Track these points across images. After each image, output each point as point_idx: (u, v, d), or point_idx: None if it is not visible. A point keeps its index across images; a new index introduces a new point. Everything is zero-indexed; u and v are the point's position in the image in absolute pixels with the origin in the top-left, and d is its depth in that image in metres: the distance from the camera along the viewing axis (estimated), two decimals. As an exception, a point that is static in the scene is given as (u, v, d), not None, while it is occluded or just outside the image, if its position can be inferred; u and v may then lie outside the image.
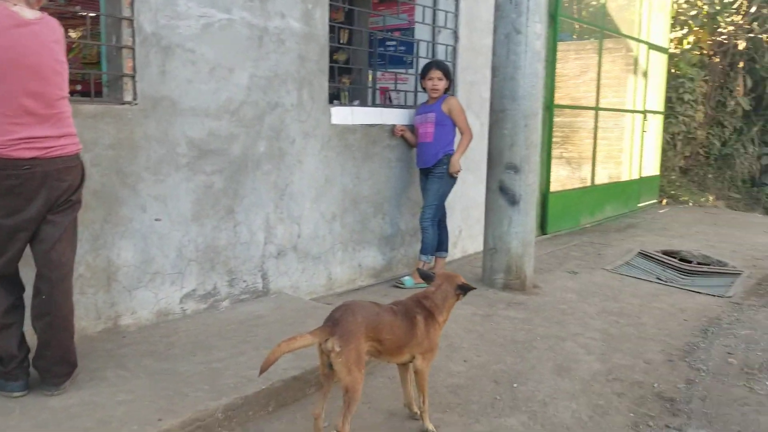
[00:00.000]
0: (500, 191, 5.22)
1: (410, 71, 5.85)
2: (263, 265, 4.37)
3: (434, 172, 5.22)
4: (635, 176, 10.29)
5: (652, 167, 10.95)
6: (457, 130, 5.29)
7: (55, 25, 2.83)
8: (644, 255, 7.06)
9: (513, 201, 5.18)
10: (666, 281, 6.28)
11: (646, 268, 6.71)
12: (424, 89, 5.31)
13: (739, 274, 6.52)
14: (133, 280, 3.63)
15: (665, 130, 11.51)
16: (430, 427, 3.03)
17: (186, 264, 3.90)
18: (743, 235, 8.83)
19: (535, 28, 5.10)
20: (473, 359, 3.96)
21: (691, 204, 11.60)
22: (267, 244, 4.37)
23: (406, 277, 5.27)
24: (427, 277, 3.12)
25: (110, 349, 3.40)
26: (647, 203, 10.81)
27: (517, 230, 5.21)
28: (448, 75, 5.25)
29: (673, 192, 11.75)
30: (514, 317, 4.71)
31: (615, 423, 3.33)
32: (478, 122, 6.01)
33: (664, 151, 11.55)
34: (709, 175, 13.45)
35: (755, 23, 11.99)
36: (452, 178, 5.28)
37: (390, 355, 2.91)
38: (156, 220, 3.71)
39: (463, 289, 3.09)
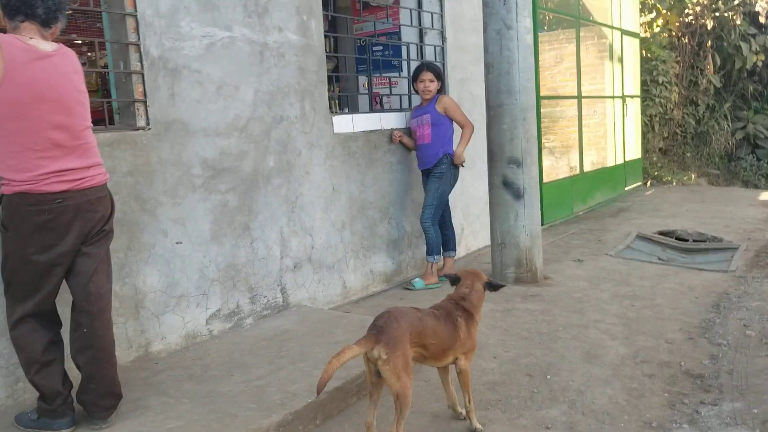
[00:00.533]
0: (504, 186, 5.26)
1: (403, 75, 5.88)
2: (281, 279, 4.36)
3: (434, 172, 5.26)
4: (620, 161, 10.44)
5: (634, 150, 11.13)
6: (456, 126, 5.32)
7: (72, 56, 2.81)
8: (643, 237, 7.17)
9: (518, 195, 5.24)
10: (668, 261, 6.39)
11: (647, 249, 6.81)
12: (417, 91, 5.35)
13: (736, 248, 6.65)
14: (160, 305, 3.60)
15: (643, 113, 11.70)
16: (478, 426, 3.05)
17: (209, 284, 3.88)
18: (731, 209, 9.01)
19: (525, 22, 5.16)
20: (502, 355, 3.99)
21: (674, 183, 11.80)
22: (283, 257, 4.36)
23: (416, 279, 5.30)
24: (455, 279, 3.16)
25: (146, 377, 3.37)
26: (633, 186, 10.97)
27: (524, 223, 5.27)
28: (440, 76, 5.29)
29: (656, 173, 11.94)
30: (533, 309, 4.75)
31: (652, 404, 3.39)
32: (470, 119, 6.05)
33: (643, 134, 11.74)
34: (688, 154, 13.69)
35: (720, 2, 12.24)
36: (453, 177, 5.32)
37: (435, 359, 2.93)
38: (177, 243, 3.69)
39: (492, 287, 3.15)
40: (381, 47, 6.40)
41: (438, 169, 5.21)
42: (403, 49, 5.80)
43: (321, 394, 2.70)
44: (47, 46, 2.71)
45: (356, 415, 3.22)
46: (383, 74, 5.74)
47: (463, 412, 3.14)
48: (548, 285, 5.34)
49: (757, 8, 12.12)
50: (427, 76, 5.20)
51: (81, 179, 2.73)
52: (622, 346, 4.12)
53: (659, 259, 6.45)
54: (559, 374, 3.72)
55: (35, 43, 2.68)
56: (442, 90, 5.32)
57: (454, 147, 5.31)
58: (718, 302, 4.93)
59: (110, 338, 2.89)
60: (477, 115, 5.95)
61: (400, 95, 5.74)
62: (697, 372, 3.75)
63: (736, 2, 12.29)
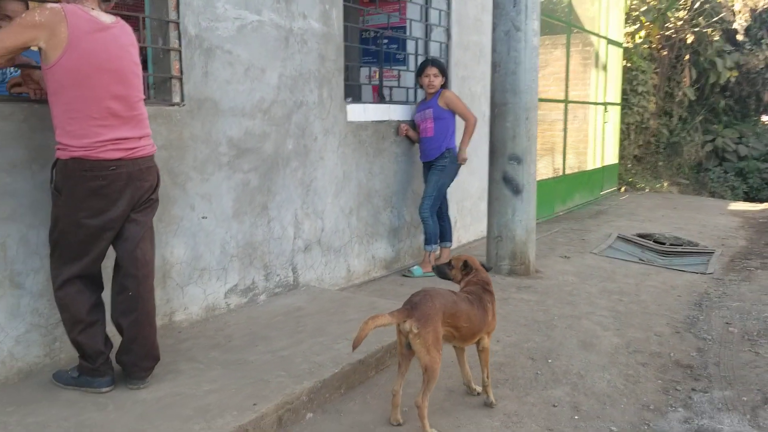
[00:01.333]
0: (504, 181, 5.48)
1: (410, 69, 6.04)
2: (293, 259, 4.50)
3: (436, 165, 5.44)
4: (598, 165, 10.79)
5: (611, 156, 11.49)
6: (458, 122, 5.52)
7: (129, 30, 2.92)
8: (623, 238, 7.48)
9: (516, 190, 5.46)
10: (648, 262, 6.69)
11: (627, 250, 7.12)
12: (421, 86, 5.53)
13: (711, 252, 6.99)
14: (184, 277, 3.72)
15: (621, 120, 12.08)
16: (493, 399, 3.26)
17: (229, 260, 4.00)
18: (703, 217, 9.41)
19: (533, 25, 5.38)
20: (505, 339, 4.20)
21: (647, 190, 12.22)
22: (296, 238, 4.51)
23: (415, 267, 5.49)
24: (442, 273, 3.44)
25: (172, 344, 3.49)
26: (609, 191, 11.34)
27: (521, 218, 5.50)
28: (444, 72, 5.48)
29: (630, 179, 12.34)
30: (528, 300, 4.98)
31: (647, 389, 3.63)
32: (470, 116, 6.26)
33: (620, 141, 12.12)
34: (660, 163, 14.16)
35: (701, 18, 12.69)
36: (454, 171, 5.51)
37: (463, 340, 3.12)
38: (203, 218, 3.81)
39: (487, 270, 3.48)
40: (386, 40, 6.55)
41: (440, 162, 5.40)
42: (411, 43, 5.97)
43: (346, 366, 2.91)
44: (107, 18, 2.82)
45: (375, 387, 3.39)
46: (393, 67, 5.89)
47: (478, 388, 3.34)
48: (540, 278, 5.59)
49: (735, 26, 12.59)
50: (432, 71, 5.38)
51: (134, 148, 2.84)
52: (614, 336, 4.37)
53: (640, 259, 6.75)
54: (558, 359, 3.95)
55: (97, 14, 2.78)
56: (445, 86, 5.50)
57: (457, 142, 5.50)
58: (700, 301, 5.23)
59: (153, 303, 3.01)
60: (475, 112, 6.13)
61: (407, 88, 5.91)
62: (687, 363, 4.02)
63: (714, 19, 12.75)
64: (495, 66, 5.49)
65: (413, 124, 5.63)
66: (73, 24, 2.64)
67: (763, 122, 17.50)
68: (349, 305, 4.23)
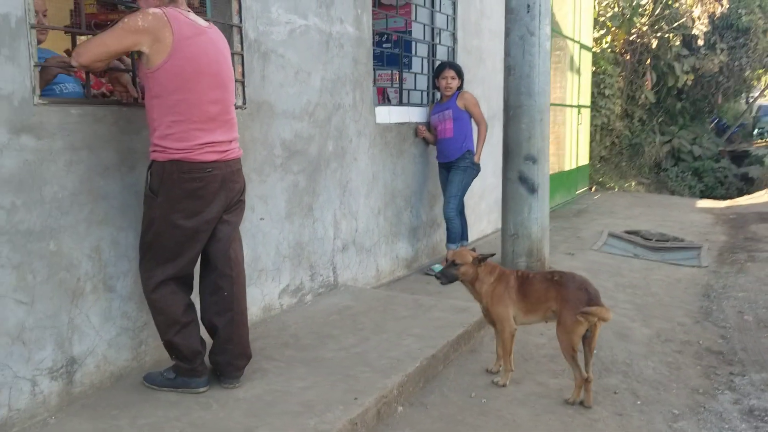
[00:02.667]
0: (520, 181, 5.66)
1: (424, 72, 6.16)
2: (333, 259, 4.57)
3: (458, 165, 5.58)
4: (574, 166, 11.14)
5: (584, 157, 11.88)
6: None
7: (221, 33, 2.96)
8: (614, 235, 7.79)
9: (532, 189, 5.65)
10: (642, 257, 7.00)
11: (621, 246, 7.42)
12: (437, 88, 5.67)
13: (699, 247, 7.36)
14: (246, 278, 3.73)
15: (591, 122, 12.50)
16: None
17: (282, 261, 4.05)
18: (677, 214, 9.86)
19: (546, 30, 5.59)
20: (547, 332, 4.35)
21: (616, 189, 12.68)
22: (335, 239, 4.58)
23: (436, 266, 5.61)
24: (452, 278, 3.53)
25: (243, 345, 3.51)
26: (582, 190, 11.72)
27: (536, 216, 5.69)
28: (460, 74, 5.63)
29: (600, 179, 12.78)
30: (553, 294, 5.17)
31: (690, 375, 3.86)
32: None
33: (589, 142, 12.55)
34: (623, 163, 14.71)
35: (662, 22, 13.26)
36: (475, 171, 5.67)
37: None
38: (261, 219, 3.84)
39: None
40: (390, 44, 6.66)
41: (463, 163, 5.54)
42: (422, 47, 6.09)
43: (423, 360, 3.21)
44: (203, 22, 2.85)
45: (447, 381, 3.50)
46: (409, 71, 5.99)
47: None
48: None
49: (695, 31, 13.21)
50: (449, 73, 5.53)
51: (226, 151, 2.88)
52: (643, 327, 4.60)
53: (635, 255, 7.05)
54: (601, 350, 4.13)
55: (194, 18, 2.81)
56: (461, 88, 5.65)
57: (474, 144, 5.66)
58: (707, 293, 5.53)
59: (245, 302, 3.05)
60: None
61: (422, 91, 6.03)
62: (716, 349, 4.28)
63: (675, 24, 13.34)
64: (509, 69, 5.67)
65: (428, 125, 5.76)
66: (176, 29, 2.67)
67: (707, 121, 18.40)
68: (395, 303, 4.32)
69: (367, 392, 2.95)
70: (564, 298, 3.33)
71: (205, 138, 2.78)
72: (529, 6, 5.49)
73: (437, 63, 6.15)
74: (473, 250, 3.59)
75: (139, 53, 2.68)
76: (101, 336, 2.92)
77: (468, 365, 3.72)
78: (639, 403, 3.44)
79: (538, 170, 5.64)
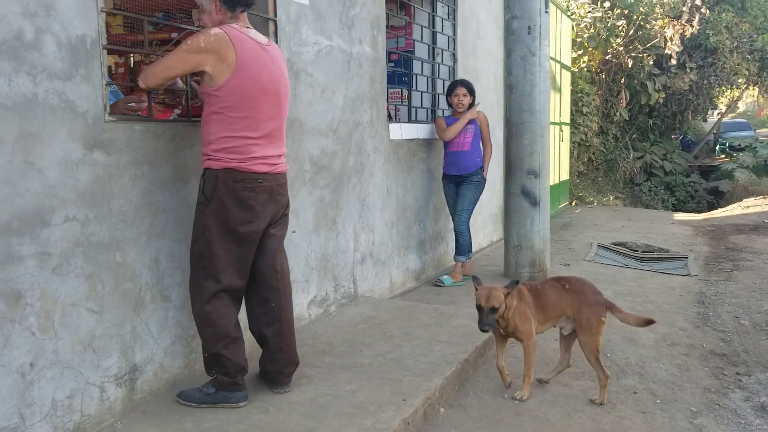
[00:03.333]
0: (523, 194, 5.90)
1: (430, 90, 6.37)
2: (354, 271, 4.71)
3: (471, 180, 5.78)
4: (556, 181, 11.47)
5: (565, 172, 12.23)
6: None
7: (279, 49, 3.09)
8: (603, 247, 8.08)
9: (534, 202, 5.89)
10: (633, 267, 7.27)
11: (611, 257, 7.70)
12: (450, 105, 5.89)
13: (685, 257, 7.67)
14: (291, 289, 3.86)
15: (570, 139, 12.89)
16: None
17: (310, 272, 4.18)
18: (657, 226, 10.22)
19: (546, 50, 5.86)
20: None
21: (595, 204, 13.05)
22: (355, 251, 4.73)
23: (445, 277, 5.79)
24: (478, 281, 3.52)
25: (282, 353, 3.64)
26: (563, 205, 12.05)
27: (538, 228, 5.92)
28: (472, 91, 5.85)
29: (579, 194, 13.14)
30: (560, 303, 5.38)
31: (700, 375, 4.09)
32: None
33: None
34: (599, 178, 15.13)
35: (637, 43, 13.76)
36: (484, 186, 5.88)
37: None
38: (293, 232, 3.98)
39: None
40: (392, 63, 6.87)
41: (475, 177, 5.75)
42: (426, 66, 6.30)
43: (457, 364, 3.42)
44: (262, 38, 2.97)
45: (480, 383, 3.67)
46: (417, 89, 6.19)
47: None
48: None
49: (667, 51, 13.73)
50: (462, 91, 5.75)
51: (276, 164, 3.01)
52: (649, 332, 4.82)
53: (625, 265, 7.32)
54: (615, 353, 4.35)
55: (254, 34, 2.92)
56: (472, 104, 5.86)
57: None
58: (701, 300, 5.80)
59: (292, 312, 3.17)
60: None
61: (427, 109, 6.24)
62: (720, 352, 4.52)
63: (648, 45, 13.86)
64: (512, 88, 5.92)
65: (429, 142, 5.94)
66: (239, 48, 2.78)
67: (673, 138, 19.03)
68: (417, 312, 4.48)
69: (413, 394, 3.11)
70: (584, 303, 3.54)
71: (259, 152, 2.90)
72: (530, 28, 5.76)
73: (438, 82, 6.38)
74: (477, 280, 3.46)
75: (202, 72, 2.80)
76: (159, 344, 3.02)
77: (494, 369, 3.89)
78: (659, 401, 3.65)
79: (539, 184, 5.89)
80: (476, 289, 3.30)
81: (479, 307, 3.26)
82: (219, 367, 2.95)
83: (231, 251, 2.90)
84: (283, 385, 3.13)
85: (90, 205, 2.64)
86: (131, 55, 4.85)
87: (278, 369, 3.10)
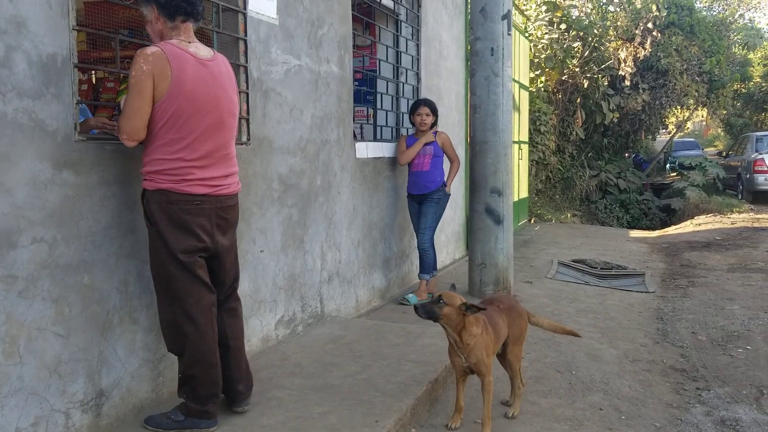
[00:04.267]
0: (486, 213, 5.97)
1: (394, 109, 6.42)
2: (320, 290, 4.70)
3: (432, 198, 5.83)
4: (516, 198, 11.64)
5: (524, 190, 12.42)
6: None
7: (226, 63, 2.98)
8: (564, 264, 8.21)
9: (498, 220, 5.97)
10: (593, 284, 7.42)
11: (571, 274, 7.83)
12: (413, 124, 5.94)
13: (642, 274, 7.86)
14: (248, 309, 3.83)
15: (529, 157, 13.11)
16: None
17: (278, 292, 4.15)
18: (614, 243, 10.45)
19: (508, 71, 5.97)
20: (526, 356, 4.61)
21: (553, 221, 13.27)
22: (322, 270, 4.71)
23: (410, 295, 5.81)
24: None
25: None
26: (523, 222, 12.22)
27: (502, 246, 6.00)
28: (435, 111, 5.92)
29: (538, 212, 13.36)
30: (524, 320, 5.45)
31: (662, 390, 4.19)
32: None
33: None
34: (557, 196, 15.41)
35: (592, 64, 14.12)
36: (446, 203, 5.94)
37: None
38: (261, 251, 3.95)
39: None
40: (357, 82, 6.90)
41: (436, 195, 5.80)
42: (391, 86, 6.35)
43: (427, 384, 3.42)
44: (205, 52, 2.85)
45: (448, 404, 3.67)
46: (382, 108, 6.23)
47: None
48: (521, 301, 6.09)
49: (621, 72, 14.13)
50: (425, 110, 5.81)
51: (219, 186, 2.88)
52: (611, 348, 4.93)
53: (585, 282, 7.46)
54: (579, 370, 4.42)
55: (195, 50, 2.80)
56: (435, 124, 5.93)
57: (445, 178, 5.94)
58: (659, 316, 5.95)
59: (243, 333, 3.17)
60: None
61: (391, 128, 6.28)
62: (680, 367, 4.64)
63: (603, 66, 14.24)
64: (475, 108, 6.01)
65: (393, 159, 5.99)
66: (176, 67, 2.67)
67: (626, 156, 19.54)
68: (384, 332, 4.48)
69: (386, 415, 3.10)
70: (515, 317, 3.58)
71: (198, 174, 2.78)
72: (493, 49, 5.87)
73: (402, 101, 6.44)
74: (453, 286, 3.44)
75: None
76: (126, 368, 2.96)
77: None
78: (623, 418, 3.72)
79: (503, 202, 5.97)
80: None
81: (431, 296, 3.25)
82: (191, 390, 2.88)
83: (186, 272, 2.80)
84: (242, 402, 3.09)
85: (58, 226, 2.59)
86: (93, 71, 4.79)
87: (233, 387, 3.06)
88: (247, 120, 3.79)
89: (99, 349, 2.80)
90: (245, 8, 3.75)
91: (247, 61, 3.77)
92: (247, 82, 3.78)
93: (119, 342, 2.91)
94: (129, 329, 2.96)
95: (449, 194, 5.95)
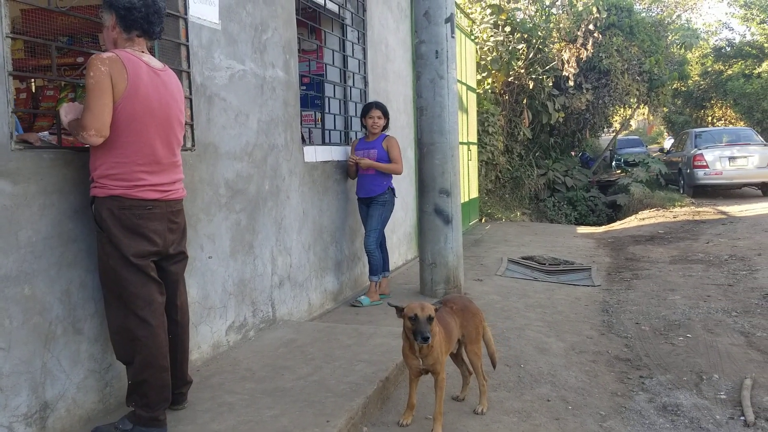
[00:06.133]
0: (435, 213, 6.06)
1: (348, 113, 6.46)
2: (272, 295, 4.70)
3: (377, 200, 5.88)
4: (466, 199, 11.79)
5: (474, 190, 12.59)
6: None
7: (175, 75, 3.08)
8: (513, 261, 8.37)
9: (447, 220, 6.06)
10: (541, 279, 7.58)
11: (520, 271, 7.99)
12: (364, 127, 5.99)
13: (588, 269, 8.07)
14: (197, 316, 3.81)
15: (478, 158, 13.30)
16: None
17: (228, 298, 4.14)
18: (562, 240, 10.69)
19: (453, 73, 6.07)
20: (477, 351, 4.71)
21: (504, 220, 13.50)
22: (273, 275, 4.71)
23: (363, 297, 5.85)
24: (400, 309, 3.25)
25: (201, 381, 3.57)
26: (474, 222, 12.39)
27: (452, 245, 6.09)
28: (386, 114, 5.97)
29: (489, 210, 13.57)
30: (474, 317, 5.54)
31: (607, 380, 4.32)
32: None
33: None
34: (506, 195, 15.67)
35: (537, 65, 14.42)
36: (393, 206, 6.00)
37: None
38: (209, 257, 3.93)
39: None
40: (304, 87, 6.92)
41: (382, 198, 5.85)
42: (338, 89, 6.39)
43: (378, 383, 3.40)
44: (157, 63, 2.96)
45: (399, 401, 3.72)
46: (330, 112, 6.25)
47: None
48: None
49: (564, 73, 14.47)
50: (376, 113, 5.86)
51: (169, 191, 2.96)
52: (558, 341, 5.06)
53: (535, 278, 7.63)
54: (528, 364, 4.53)
55: (147, 59, 2.90)
56: (387, 126, 5.99)
57: (392, 183, 6.00)
58: (605, 308, 6.13)
59: (188, 340, 3.22)
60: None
61: (340, 131, 6.31)
62: (624, 357, 4.79)
63: (547, 67, 14.55)
64: (422, 110, 6.09)
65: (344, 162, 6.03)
66: (131, 71, 2.75)
67: (572, 155, 20.00)
68: (336, 333, 4.51)
69: (336, 415, 3.13)
70: (468, 316, 3.63)
71: (149, 180, 2.84)
72: (437, 52, 5.96)
73: (350, 104, 6.48)
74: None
75: None
76: (71, 379, 2.91)
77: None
78: (570, 408, 3.83)
79: (451, 202, 6.06)
80: (402, 309, 3.16)
81: (415, 318, 3.05)
82: (140, 397, 2.88)
83: (139, 274, 2.84)
84: (179, 403, 3.16)
85: (-5, 237, 2.54)
86: (32, 80, 4.69)
87: (176, 390, 3.10)
88: (191, 126, 3.78)
89: (42, 360, 2.76)
90: (186, 13, 3.73)
91: (189, 67, 3.76)
92: (190, 88, 3.76)
93: (63, 353, 2.87)
94: (73, 340, 2.92)
95: (395, 196, 6.00)
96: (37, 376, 2.74)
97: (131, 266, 2.81)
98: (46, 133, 3.30)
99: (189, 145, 3.77)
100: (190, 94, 3.77)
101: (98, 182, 2.77)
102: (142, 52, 2.93)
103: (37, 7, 3.64)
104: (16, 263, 2.63)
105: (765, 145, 15.12)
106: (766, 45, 25.50)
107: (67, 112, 2.83)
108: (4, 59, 2.57)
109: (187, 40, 3.75)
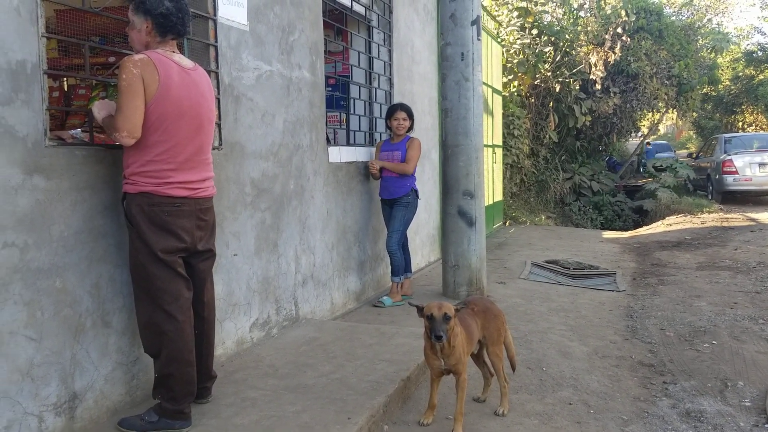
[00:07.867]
0: (459, 215, 6.06)
1: (370, 114, 6.50)
2: (295, 293, 4.74)
3: (401, 202, 5.91)
4: (491, 202, 11.77)
5: (499, 193, 12.56)
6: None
7: (206, 75, 3.14)
8: (537, 265, 8.33)
9: (471, 222, 6.06)
10: (565, 284, 7.54)
11: (544, 275, 7.95)
12: (389, 128, 6.02)
13: (613, 273, 8.00)
14: (222, 312, 3.87)
15: (502, 161, 13.26)
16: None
17: (252, 295, 4.19)
18: (587, 244, 10.61)
19: (479, 75, 6.08)
20: (498, 353, 4.70)
21: (528, 223, 13.43)
22: (296, 273, 4.76)
23: (385, 297, 5.88)
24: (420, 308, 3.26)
25: (225, 376, 3.63)
26: (498, 225, 12.36)
27: (475, 248, 6.09)
28: (411, 116, 6.00)
29: (513, 214, 13.51)
30: (497, 320, 5.54)
31: (630, 385, 4.29)
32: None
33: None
34: (531, 199, 15.58)
35: (563, 68, 14.33)
36: (416, 207, 6.02)
37: None
38: (234, 255, 3.99)
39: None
40: (330, 88, 6.98)
41: (405, 199, 5.88)
42: (363, 91, 6.43)
43: (399, 382, 3.42)
44: (187, 62, 3.02)
45: (421, 401, 3.75)
46: (355, 113, 6.29)
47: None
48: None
49: (592, 76, 14.36)
50: (401, 115, 5.89)
51: (198, 189, 3.01)
52: (581, 345, 5.03)
53: (558, 282, 7.59)
54: (550, 367, 4.52)
55: (179, 59, 2.97)
56: (411, 128, 6.01)
57: (415, 184, 6.01)
58: (629, 313, 6.08)
59: (215, 336, 3.29)
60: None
61: (365, 132, 6.35)
62: (648, 362, 4.75)
63: (574, 70, 14.46)
64: (446, 112, 6.10)
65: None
66: (162, 72, 2.81)
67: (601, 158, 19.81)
68: (358, 333, 4.54)
69: (358, 412, 3.16)
70: (490, 318, 3.63)
71: (178, 177, 2.90)
72: (463, 54, 5.97)
73: (375, 106, 6.51)
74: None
75: None
76: (99, 371, 2.98)
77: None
78: (592, 411, 3.81)
79: (475, 205, 6.07)
80: (422, 308, 3.17)
81: (431, 317, 3.07)
82: (166, 390, 2.93)
83: (166, 270, 2.90)
84: (204, 397, 3.21)
85: (29, 231, 2.61)
86: (65, 78, 4.80)
87: (201, 385, 3.15)
88: (219, 125, 3.84)
89: (72, 352, 2.83)
90: (215, 15, 3.80)
91: (218, 67, 3.82)
92: (218, 88, 3.83)
93: (92, 345, 2.94)
94: (102, 332, 2.99)
95: (418, 198, 6.02)
96: (67, 366, 2.81)
97: (159, 262, 2.87)
98: (78, 130, 3.39)
99: (216, 144, 3.83)
100: (218, 94, 3.83)
101: (130, 179, 2.85)
102: (173, 52, 2.98)
103: (72, 8, 3.72)
104: (48, 256, 2.70)
105: (797, 151, 14.85)
106: (799, 50, 25.04)
107: (99, 108, 2.90)
108: (40, 58, 2.64)
109: (216, 41, 3.81)
